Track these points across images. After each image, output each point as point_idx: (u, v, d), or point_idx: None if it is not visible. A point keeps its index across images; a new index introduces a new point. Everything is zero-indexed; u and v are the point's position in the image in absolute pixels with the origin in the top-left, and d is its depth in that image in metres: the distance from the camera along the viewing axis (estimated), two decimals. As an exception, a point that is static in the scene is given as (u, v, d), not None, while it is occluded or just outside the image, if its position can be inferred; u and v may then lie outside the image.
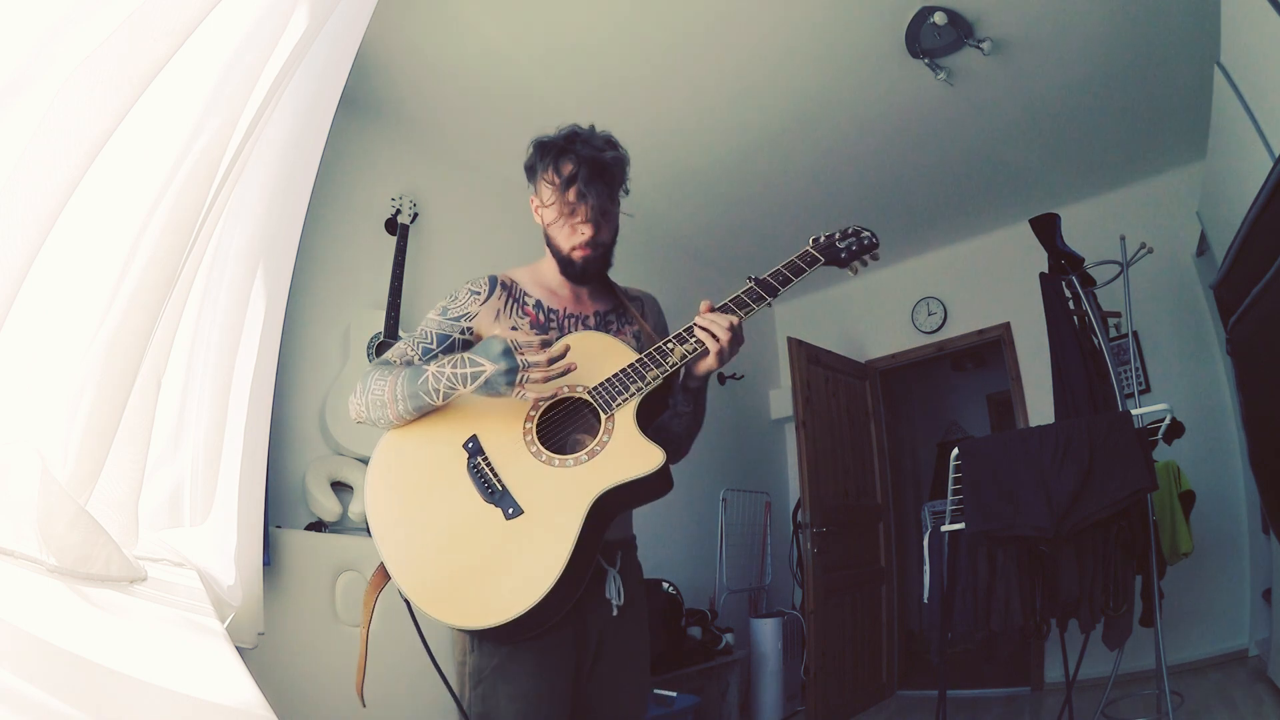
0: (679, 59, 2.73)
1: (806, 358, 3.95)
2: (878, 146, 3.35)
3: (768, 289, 1.20)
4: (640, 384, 1.11)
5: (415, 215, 2.90)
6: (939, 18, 2.49)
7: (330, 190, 2.66)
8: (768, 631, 3.66)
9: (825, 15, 2.54)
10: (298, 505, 2.36)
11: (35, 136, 0.68)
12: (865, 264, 1.28)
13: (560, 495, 1.06)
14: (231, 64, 0.88)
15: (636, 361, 1.13)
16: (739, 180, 3.58)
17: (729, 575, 3.91)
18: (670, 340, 1.15)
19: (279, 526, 2.22)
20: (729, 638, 3.41)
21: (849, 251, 1.27)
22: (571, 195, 1.18)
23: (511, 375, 1.04)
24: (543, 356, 1.06)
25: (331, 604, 2.21)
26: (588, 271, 1.26)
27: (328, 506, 2.32)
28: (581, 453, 1.09)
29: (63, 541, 0.78)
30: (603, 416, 1.11)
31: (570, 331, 1.25)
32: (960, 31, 2.56)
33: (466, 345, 1.22)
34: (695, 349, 1.14)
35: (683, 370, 1.17)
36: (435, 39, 2.57)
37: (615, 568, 1.18)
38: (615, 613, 1.16)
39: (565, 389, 1.14)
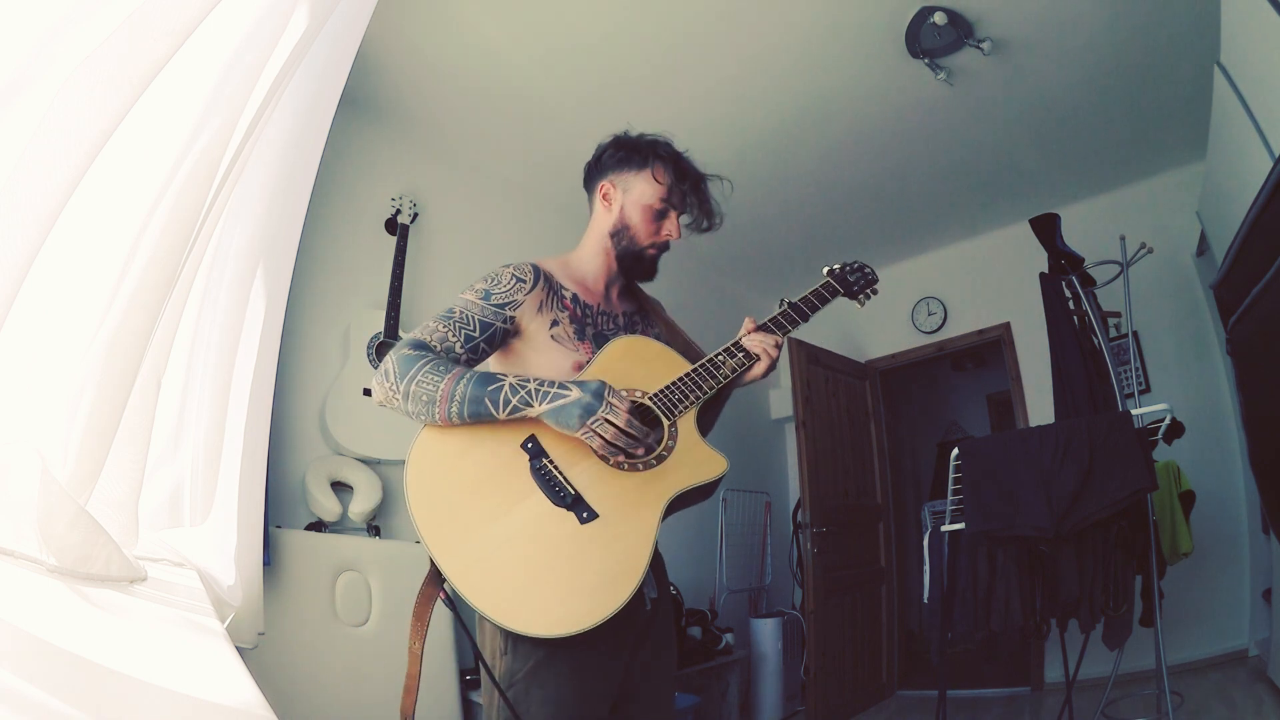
0: (678, 59, 2.73)
1: (806, 358, 3.95)
2: (878, 147, 3.35)
3: (800, 313, 1.29)
4: (699, 393, 1.17)
5: (415, 215, 2.90)
6: (939, 18, 2.49)
7: (330, 190, 2.66)
8: (768, 631, 3.66)
9: (825, 15, 2.54)
10: (298, 505, 2.36)
11: (35, 136, 0.68)
12: (869, 297, 1.42)
13: (634, 499, 1.07)
14: (231, 64, 0.88)
15: (693, 372, 1.19)
16: (738, 180, 3.55)
17: (729, 575, 3.91)
18: (720, 354, 1.21)
19: (279, 526, 2.22)
20: (729, 638, 3.40)
21: (858, 285, 1.40)
22: (684, 200, 1.29)
23: (587, 412, 1.04)
24: (624, 417, 1.04)
25: (331, 604, 2.20)
26: (650, 270, 1.33)
27: (328, 506, 2.32)
28: (650, 456, 1.10)
29: (63, 541, 0.78)
30: (665, 423, 1.14)
31: (604, 328, 1.27)
32: (960, 31, 2.56)
33: (506, 335, 1.20)
34: (742, 364, 1.21)
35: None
36: (435, 39, 2.57)
37: None
38: (649, 606, 1.15)
39: (624, 391, 1.14)
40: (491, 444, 1.08)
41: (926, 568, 2.47)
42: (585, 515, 1.04)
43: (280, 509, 2.29)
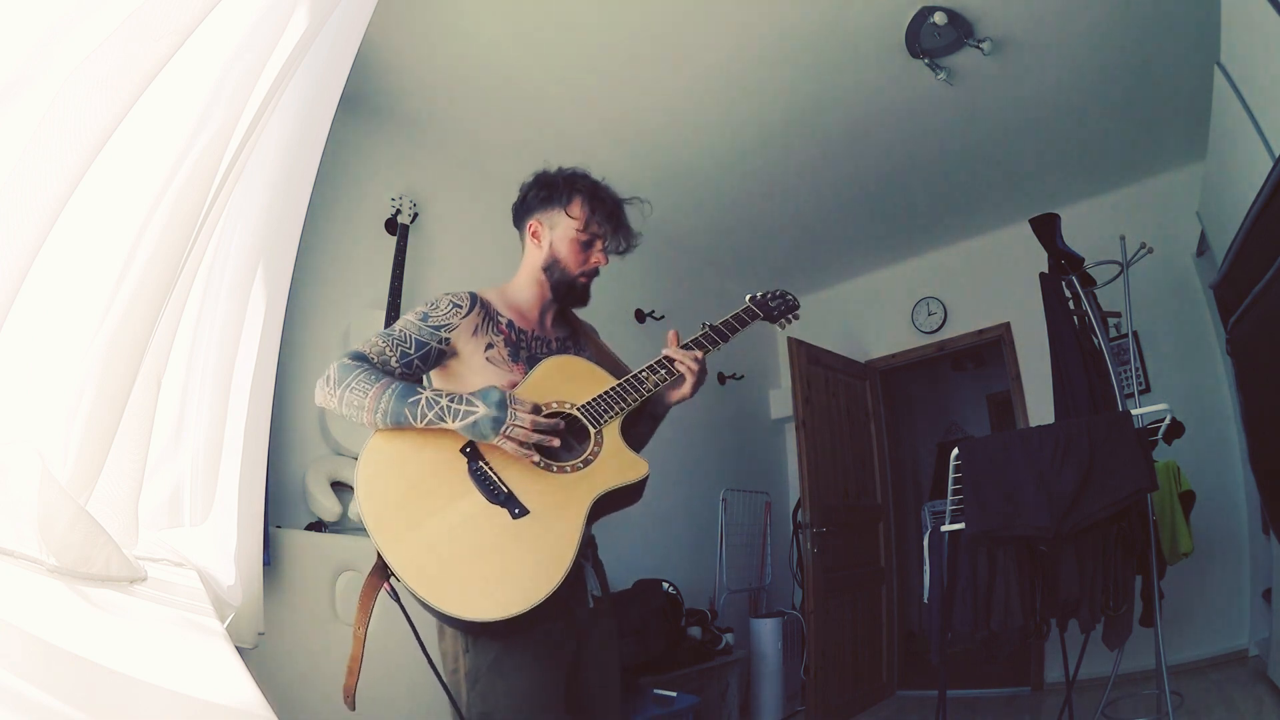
0: (678, 59, 2.73)
1: (806, 358, 3.95)
2: (877, 146, 3.35)
3: (720, 335, 1.40)
4: (623, 405, 1.26)
5: (415, 215, 2.90)
6: (939, 18, 2.49)
7: (330, 190, 2.65)
8: (768, 631, 3.66)
9: (825, 15, 2.54)
10: (298, 505, 2.36)
11: (36, 136, 0.68)
12: (789, 321, 1.55)
13: (561, 498, 1.15)
14: (231, 64, 0.88)
15: (618, 386, 1.28)
16: (738, 179, 3.58)
17: (729, 575, 3.91)
18: (643, 370, 1.31)
19: (279, 526, 2.22)
20: (729, 638, 3.40)
21: (778, 310, 1.53)
22: (606, 229, 1.37)
23: (498, 424, 1.13)
24: (529, 419, 1.15)
25: (331, 604, 2.20)
26: (583, 297, 1.42)
27: (328, 506, 2.32)
28: (577, 460, 1.20)
29: (63, 541, 0.78)
30: (592, 431, 1.23)
31: (538, 352, 1.36)
32: (960, 31, 2.56)
33: (441, 355, 1.29)
34: (665, 379, 1.31)
35: (653, 398, 1.33)
36: (435, 39, 2.57)
37: (589, 563, 1.28)
38: (592, 604, 1.25)
39: (555, 404, 1.24)
40: (435, 447, 1.17)
41: (926, 568, 2.47)
42: (517, 511, 1.12)
43: (280, 509, 2.28)
